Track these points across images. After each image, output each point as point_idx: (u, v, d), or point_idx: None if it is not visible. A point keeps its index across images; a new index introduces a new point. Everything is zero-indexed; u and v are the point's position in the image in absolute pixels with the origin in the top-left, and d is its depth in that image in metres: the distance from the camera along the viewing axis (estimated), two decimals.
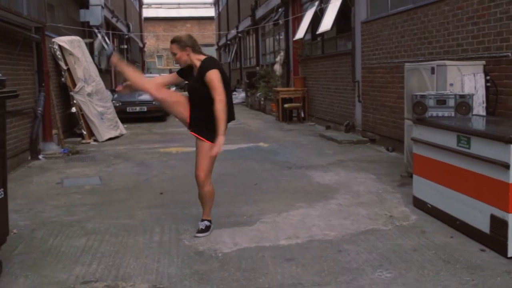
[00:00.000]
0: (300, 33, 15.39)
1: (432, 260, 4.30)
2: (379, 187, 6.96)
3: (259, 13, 23.19)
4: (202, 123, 4.96)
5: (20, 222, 5.67)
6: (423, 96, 5.65)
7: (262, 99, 20.23)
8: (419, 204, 5.77)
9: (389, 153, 9.68)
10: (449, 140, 5.07)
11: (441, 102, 5.57)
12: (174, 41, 4.99)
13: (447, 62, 6.50)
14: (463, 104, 5.51)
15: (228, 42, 37.00)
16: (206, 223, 5.17)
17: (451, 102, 5.54)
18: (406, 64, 7.41)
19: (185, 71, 5.16)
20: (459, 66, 6.43)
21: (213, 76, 4.77)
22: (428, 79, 6.66)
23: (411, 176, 7.15)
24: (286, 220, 5.55)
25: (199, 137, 4.99)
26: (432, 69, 6.57)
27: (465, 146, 4.82)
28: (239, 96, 27.03)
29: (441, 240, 4.79)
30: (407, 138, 7.25)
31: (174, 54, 4.97)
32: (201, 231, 5.11)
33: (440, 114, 5.57)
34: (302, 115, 16.15)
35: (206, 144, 4.94)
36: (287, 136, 12.65)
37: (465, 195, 4.88)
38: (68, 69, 12.42)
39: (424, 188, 5.67)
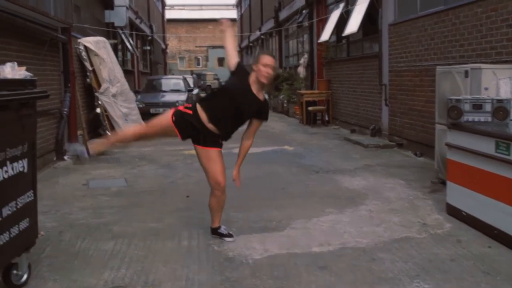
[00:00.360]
0: (325, 35, 15.24)
1: (471, 271, 4.15)
2: (409, 193, 6.80)
3: (283, 14, 23.08)
4: (229, 136, 4.94)
5: (47, 224, 5.64)
6: (458, 100, 5.49)
7: (285, 101, 20.11)
8: (453, 212, 5.61)
9: (417, 158, 9.49)
10: (487, 146, 4.91)
11: (477, 106, 5.39)
12: (272, 56, 4.95)
13: (482, 66, 6.33)
14: (501, 109, 5.33)
15: (251, 44, 36.94)
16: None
17: (488, 107, 5.36)
18: (437, 67, 7.23)
19: (244, 72, 4.90)
20: (494, 69, 6.25)
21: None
22: (461, 82, 6.49)
23: (442, 183, 7.01)
24: (316, 226, 5.43)
25: (215, 148, 4.89)
26: (466, 72, 6.39)
27: (504, 152, 4.65)
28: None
29: (479, 250, 4.63)
30: (438, 143, 7.08)
31: (269, 67, 4.73)
32: (229, 235, 5.03)
33: (476, 119, 5.40)
34: (326, 118, 15.99)
35: (221, 151, 4.95)
36: (312, 140, 12.52)
37: (504, 203, 4.71)
38: (93, 70, 12.43)
39: (458, 195, 5.50)
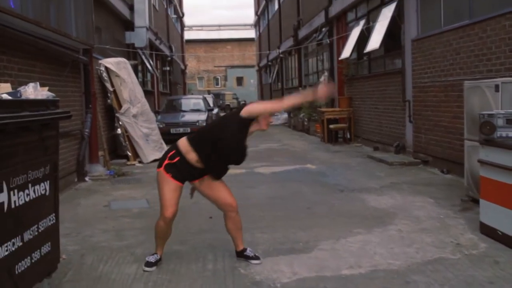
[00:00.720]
0: (346, 52, 15.12)
1: None
2: (439, 212, 6.58)
3: (302, 33, 23.03)
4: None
5: (69, 247, 5.53)
6: (491, 115, 5.30)
7: (306, 119, 19.96)
8: (488, 231, 5.38)
9: (444, 175, 9.25)
10: None
11: (511, 121, 5.20)
12: None
13: None
14: None
15: (269, 63, 36.97)
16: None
17: None
18: (465, 82, 7.04)
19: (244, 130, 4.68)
20: None
21: None
22: (491, 97, 6.29)
23: (473, 201, 6.79)
24: (345, 247, 5.24)
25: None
26: (496, 86, 6.20)
27: None
28: (281, 117, 26.84)
29: None
30: (468, 160, 6.86)
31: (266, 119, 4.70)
32: (256, 257, 4.87)
33: (510, 134, 5.20)
34: (348, 136, 15.80)
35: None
36: (334, 158, 12.33)
37: None
38: (114, 91, 12.44)
39: (493, 214, 5.28)
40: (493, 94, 6.27)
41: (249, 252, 4.93)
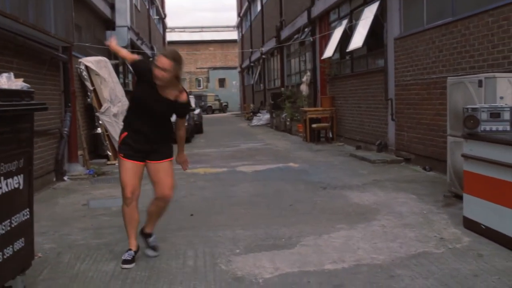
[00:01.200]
0: (329, 52, 15.09)
1: (498, 286, 3.89)
2: (422, 207, 6.53)
3: (285, 33, 23.00)
4: (164, 142, 4.82)
5: (45, 245, 5.38)
6: (475, 109, 5.26)
7: (288, 120, 19.91)
8: (471, 225, 5.34)
9: (427, 172, 9.24)
10: (507, 155, 4.67)
11: (495, 115, 5.16)
12: (173, 58, 4.54)
13: (497, 74, 6.12)
14: None
15: (252, 64, 36.93)
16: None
17: (506, 115, 5.13)
18: (448, 78, 7.02)
19: (145, 71, 4.67)
20: (509, 78, 6.02)
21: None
22: (474, 92, 6.26)
23: (456, 196, 6.76)
24: (328, 242, 5.16)
25: (164, 161, 4.79)
26: (480, 82, 6.17)
27: None
28: (263, 117, 26.77)
29: (503, 264, 4.36)
30: (451, 156, 6.84)
31: (160, 69, 4.48)
32: (154, 248, 4.97)
33: (494, 128, 5.16)
34: (330, 135, 15.77)
35: (170, 162, 4.85)
36: (317, 157, 12.27)
37: None
38: (94, 90, 12.25)
39: (476, 208, 5.24)
40: (476, 90, 6.24)
41: (152, 240, 4.95)
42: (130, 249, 4.78)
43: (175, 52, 4.65)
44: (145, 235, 4.98)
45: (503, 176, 4.77)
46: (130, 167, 4.69)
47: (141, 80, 4.74)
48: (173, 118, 4.85)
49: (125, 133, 4.73)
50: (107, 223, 6.32)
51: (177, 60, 4.56)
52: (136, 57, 4.90)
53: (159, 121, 4.73)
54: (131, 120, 4.75)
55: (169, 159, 4.82)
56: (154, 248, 4.92)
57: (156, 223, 5.06)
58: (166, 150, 4.81)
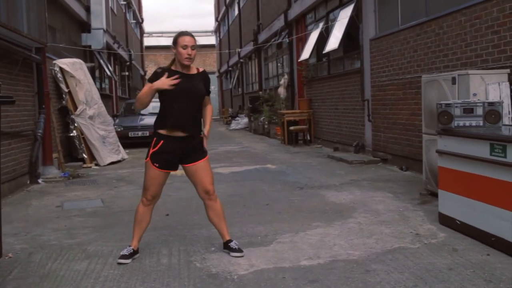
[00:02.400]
0: (306, 54, 15.12)
1: (472, 279, 3.88)
2: (399, 205, 6.55)
3: (262, 37, 23.01)
4: (198, 128, 4.74)
5: (16, 246, 5.26)
6: (448, 105, 5.28)
7: (266, 123, 19.89)
8: (446, 221, 5.36)
9: (403, 172, 9.27)
10: (481, 149, 4.69)
11: (468, 110, 5.19)
12: (192, 35, 4.61)
13: (470, 71, 6.16)
14: (492, 112, 5.13)
15: (230, 68, 36.88)
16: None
17: (479, 111, 5.16)
18: (423, 76, 7.05)
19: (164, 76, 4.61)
20: (482, 75, 6.07)
21: None
22: (448, 90, 6.30)
23: (431, 194, 6.79)
24: (304, 239, 5.13)
25: (200, 161, 4.71)
26: (453, 79, 6.21)
27: (500, 155, 4.43)
28: (241, 121, 26.73)
29: (477, 258, 4.37)
30: (426, 154, 6.87)
31: (191, 47, 4.51)
32: (238, 250, 4.71)
33: (467, 123, 5.19)
34: (308, 137, 15.78)
35: (206, 160, 4.77)
36: (295, 158, 12.26)
37: (502, 209, 4.47)
38: (69, 92, 12.09)
39: (451, 204, 5.26)
40: (450, 87, 6.28)
41: (233, 244, 4.75)
42: (130, 246, 4.75)
43: (186, 31, 4.65)
44: (225, 244, 4.80)
45: (476, 170, 4.79)
46: (157, 175, 4.64)
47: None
48: None
49: (162, 142, 4.59)
50: (81, 224, 6.21)
51: (192, 35, 4.60)
52: (149, 86, 4.65)
53: (195, 105, 4.64)
54: (167, 114, 4.57)
55: (203, 160, 4.71)
56: (239, 250, 4.69)
57: (227, 228, 4.86)
58: (200, 150, 4.71)
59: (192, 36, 4.59)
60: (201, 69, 4.80)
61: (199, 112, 4.73)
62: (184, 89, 4.55)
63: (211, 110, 4.93)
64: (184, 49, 4.50)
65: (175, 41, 4.56)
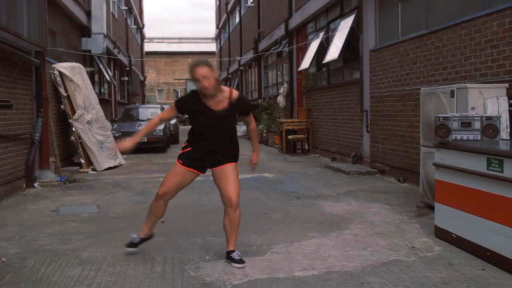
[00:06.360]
0: (305, 64, 15.14)
1: None
2: (395, 217, 6.53)
3: (262, 45, 23.04)
4: (230, 151, 4.80)
5: (10, 250, 5.24)
6: (446, 118, 5.28)
7: (265, 131, 19.89)
8: (442, 235, 5.34)
9: (401, 184, 9.26)
10: (478, 164, 4.68)
11: (466, 124, 5.19)
12: (205, 63, 4.48)
13: (468, 85, 6.16)
14: (490, 126, 5.13)
15: (229, 75, 36.91)
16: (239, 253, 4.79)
17: (477, 125, 5.16)
18: (422, 88, 7.06)
19: (188, 104, 4.69)
20: (481, 88, 6.08)
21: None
22: (447, 103, 6.31)
23: (428, 207, 6.78)
24: (299, 250, 5.12)
25: (225, 165, 4.76)
26: (452, 92, 6.22)
27: (497, 169, 4.43)
28: (240, 129, 26.69)
29: (472, 272, 4.36)
30: (424, 167, 6.86)
31: (203, 78, 4.40)
32: (240, 261, 4.66)
33: (464, 137, 5.19)
34: (306, 147, 15.77)
35: (233, 166, 4.83)
36: (292, 167, 12.25)
37: (497, 223, 4.46)
38: (68, 96, 12.09)
39: (447, 217, 5.25)
40: (448, 100, 6.29)
41: (235, 255, 4.72)
42: (138, 235, 5.00)
43: (200, 59, 4.61)
44: (228, 254, 4.77)
45: (473, 184, 4.78)
46: (179, 172, 4.76)
47: (191, 111, 4.69)
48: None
49: (189, 148, 4.77)
50: (76, 229, 6.19)
51: (207, 63, 4.52)
52: (171, 108, 4.80)
53: (222, 135, 4.69)
54: (197, 139, 4.75)
55: (230, 163, 4.76)
56: (240, 261, 4.64)
57: (236, 240, 4.84)
58: (228, 155, 4.77)
59: (206, 64, 4.48)
60: (234, 95, 4.66)
61: (231, 137, 4.76)
62: (204, 125, 4.64)
63: (255, 131, 5.06)
64: (198, 82, 4.45)
65: (190, 73, 4.52)
